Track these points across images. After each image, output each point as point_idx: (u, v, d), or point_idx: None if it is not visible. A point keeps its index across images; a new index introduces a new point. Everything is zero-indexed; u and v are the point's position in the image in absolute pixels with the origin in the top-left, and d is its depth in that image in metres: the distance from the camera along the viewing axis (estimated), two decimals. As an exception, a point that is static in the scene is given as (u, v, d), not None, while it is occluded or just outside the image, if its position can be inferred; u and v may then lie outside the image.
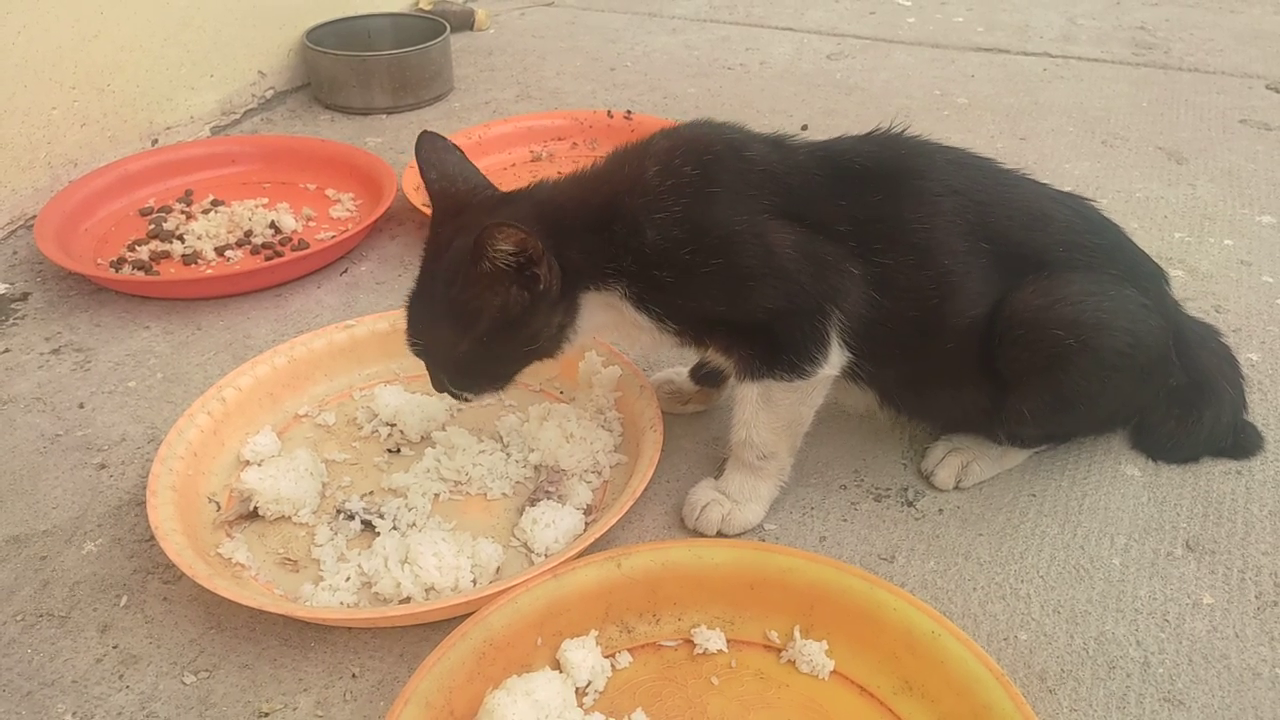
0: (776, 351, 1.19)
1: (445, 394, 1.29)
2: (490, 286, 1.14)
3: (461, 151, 1.29)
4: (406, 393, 1.49)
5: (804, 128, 2.46)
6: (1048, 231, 1.26)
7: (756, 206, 1.18)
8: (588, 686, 1.07)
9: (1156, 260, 1.37)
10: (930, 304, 1.21)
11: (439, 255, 1.20)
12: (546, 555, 1.23)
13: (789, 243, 1.16)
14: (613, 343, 1.47)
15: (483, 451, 1.39)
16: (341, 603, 1.17)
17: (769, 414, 1.23)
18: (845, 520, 1.32)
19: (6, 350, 1.67)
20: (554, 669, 1.07)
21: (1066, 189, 1.36)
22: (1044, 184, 1.33)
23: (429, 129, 1.28)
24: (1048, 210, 1.28)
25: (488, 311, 1.16)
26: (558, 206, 1.19)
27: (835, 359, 1.20)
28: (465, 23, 3.18)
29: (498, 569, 1.22)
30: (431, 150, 1.26)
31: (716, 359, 1.27)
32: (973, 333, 1.23)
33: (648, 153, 1.21)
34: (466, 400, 1.30)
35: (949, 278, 1.21)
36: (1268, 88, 2.71)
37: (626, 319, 1.21)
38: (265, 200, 2.09)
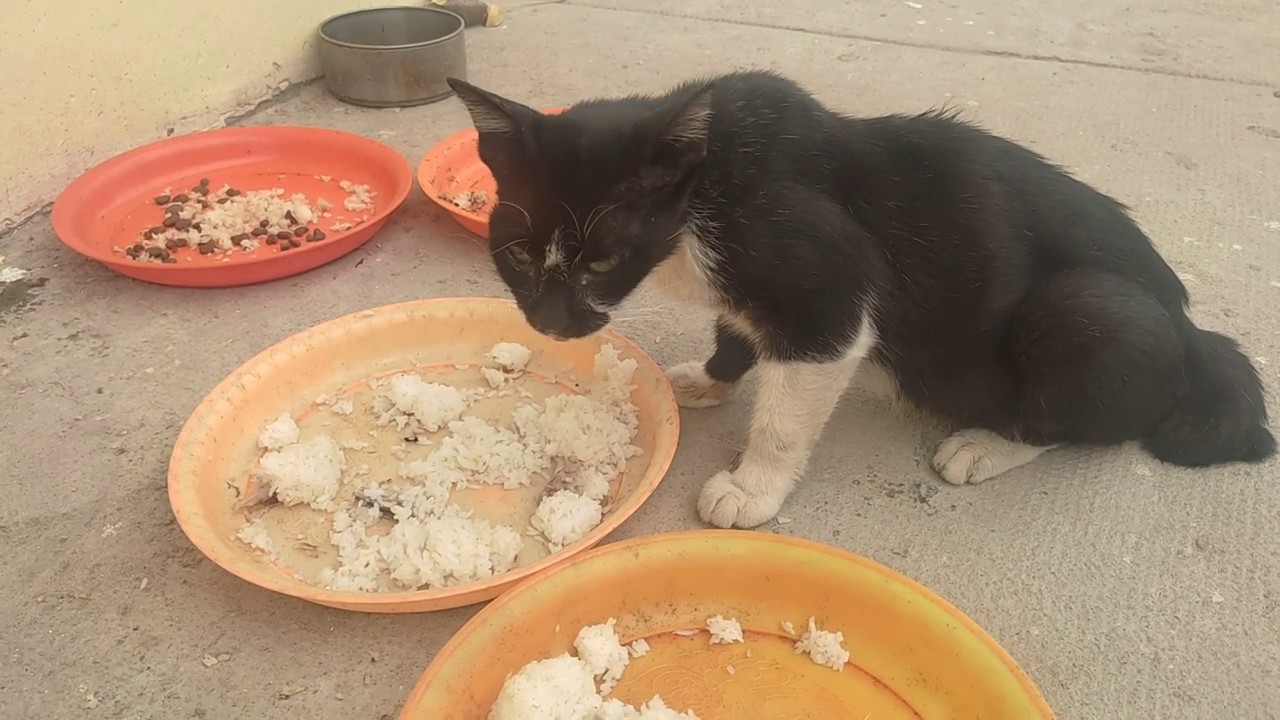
0: (810, 331, 1.20)
1: (558, 330, 1.15)
2: (652, 163, 1.08)
3: None
4: (424, 383, 1.50)
5: (816, 127, 2.47)
6: (1086, 228, 1.27)
7: (816, 171, 1.19)
8: (605, 674, 1.09)
9: (1167, 264, 1.38)
10: (971, 286, 1.23)
11: (561, 155, 1.08)
12: (563, 545, 1.24)
13: (837, 214, 1.18)
14: (648, 301, 1.37)
15: (500, 441, 1.40)
16: (361, 588, 1.19)
17: (794, 399, 1.24)
18: (859, 515, 1.33)
19: (25, 335, 1.68)
20: (572, 656, 1.08)
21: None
22: (1083, 183, 1.35)
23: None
24: (1088, 208, 1.30)
25: (648, 191, 1.10)
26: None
27: (864, 340, 1.22)
28: (478, 18, 3.19)
29: (515, 557, 1.23)
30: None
31: (744, 327, 1.26)
32: (1005, 319, 1.25)
33: (727, 89, 1.19)
34: (594, 326, 1.16)
35: (992, 261, 1.22)
36: (1276, 95, 2.73)
37: (685, 259, 1.18)
38: (281, 191, 2.10)
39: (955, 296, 1.23)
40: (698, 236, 1.17)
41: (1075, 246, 1.25)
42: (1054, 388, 1.25)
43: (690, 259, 1.18)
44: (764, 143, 1.16)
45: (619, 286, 1.14)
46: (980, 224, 1.22)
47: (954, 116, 1.28)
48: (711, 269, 1.17)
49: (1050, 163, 1.33)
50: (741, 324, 1.26)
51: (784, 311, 1.20)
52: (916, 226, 1.20)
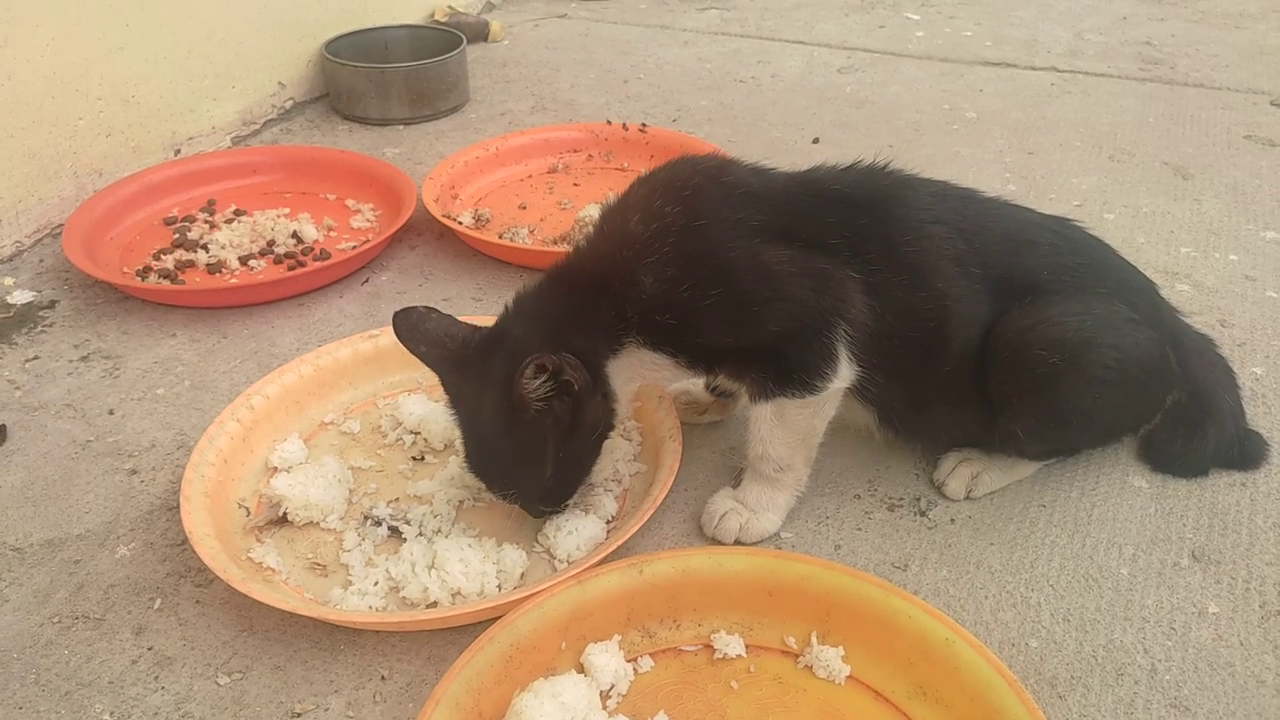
0: (787, 371, 1.22)
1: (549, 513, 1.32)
2: (541, 417, 1.18)
3: (435, 310, 1.31)
4: (430, 401, 1.52)
5: (815, 140, 2.50)
6: (1034, 255, 1.29)
7: (745, 230, 1.20)
8: (611, 689, 1.10)
9: (1163, 274, 1.39)
10: (928, 326, 1.24)
11: (476, 414, 1.24)
12: (569, 562, 1.26)
13: (785, 259, 1.19)
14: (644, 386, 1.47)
15: (505, 460, 1.42)
16: (370, 607, 1.21)
17: (783, 430, 1.26)
18: (859, 529, 1.35)
19: (36, 357, 1.70)
20: (578, 672, 1.10)
21: (1075, 203, 1.40)
22: (1026, 209, 1.37)
23: (399, 312, 1.30)
24: (1031, 235, 1.31)
25: (549, 435, 1.20)
26: (544, 308, 1.23)
27: (845, 372, 1.23)
28: (479, 34, 3.22)
29: (522, 575, 1.25)
30: (408, 326, 1.29)
31: (726, 384, 1.30)
32: (969, 355, 1.26)
33: (628, 204, 1.26)
34: (567, 507, 1.32)
35: (943, 300, 1.24)
36: (1272, 104, 2.74)
37: (646, 362, 1.24)
38: (287, 210, 2.13)
39: (914, 335, 1.24)
40: (646, 348, 1.22)
41: (1026, 274, 1.27)
42: (1027, 416, 1.27)
43: (646, 361, 1.24)
44: (674, 240, 1.18)
45: (561, 494, 1.29)
46: (925, 265, 1.23)
47: (886, 165, 1.30)
48: (670, 362, 1.23)
49: (989, 196, 1.35)
50: (724, 383, 1.30)
51: (760, 360, 1.22)
52: (865, 261, 1.21)
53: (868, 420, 1.37)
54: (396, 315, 1.29)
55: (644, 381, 1.30)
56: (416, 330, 1.28)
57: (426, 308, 1.31)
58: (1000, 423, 1.29)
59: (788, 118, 2.67)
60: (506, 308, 1.27)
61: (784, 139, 2.52)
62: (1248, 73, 2.97)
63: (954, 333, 1.25)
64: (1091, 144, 2.50)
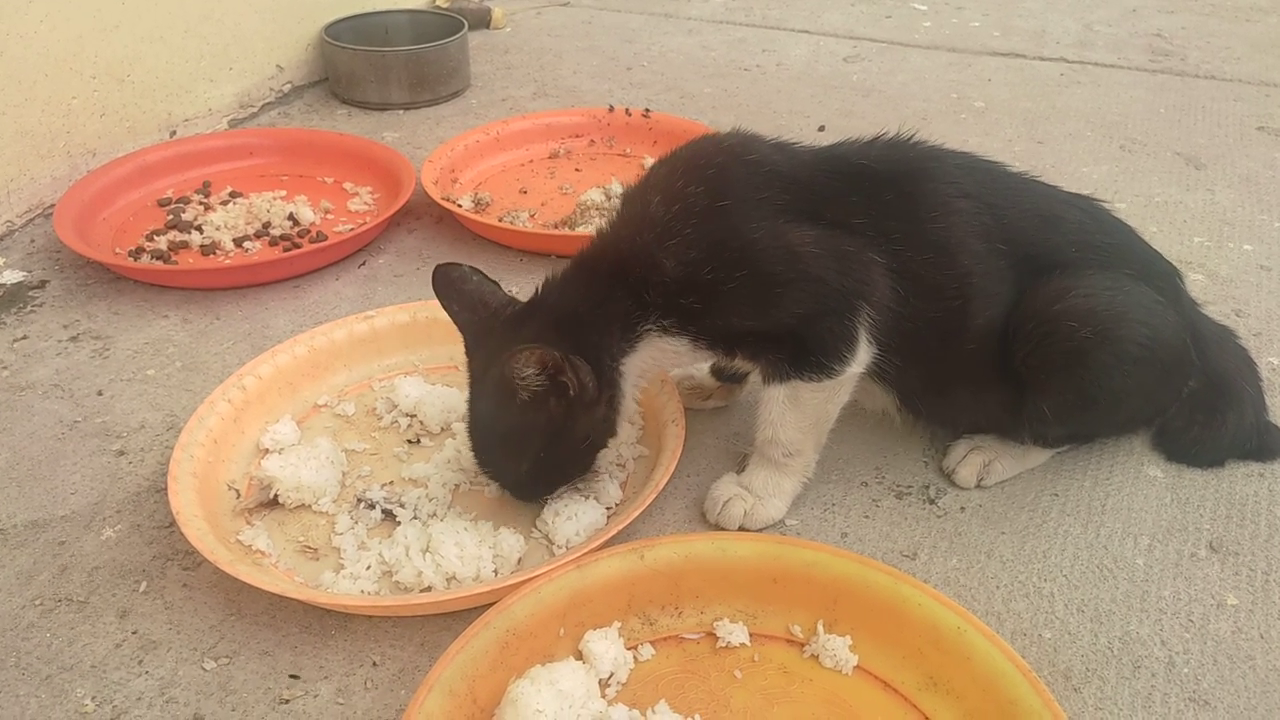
0: (805, 354, 1.18)
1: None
2: (531, 409, 1.15)
3: (480, 273, 1.28)
4: (426, 384, 1.48)
5: (821, 128, 2.46)
6: (1060, 232, 1.25)
7: (770, 210, 1.17)
8: (610, 678, 1.07)
9: (1176, 264, 1.36)
10: (952, 304, 1.21)
11: (480, 387, 1.23)
12: (567, 547, 1.22)
13: (810, 240, 1.16)
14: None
15: (503, 443, 1.39)
16: (362, 591, 1.17)
17: (796, 414, 1.23)
18: (867, 517, 1.31)
19: (25, 337, 1.67)
20: (577, 660, 1.07)
21: (1085, 193, 1.35)
22: (1053, 186, 1.33)
23: (441, 265, 1.28)
24: (1059, 212, 1.28)
25: (536, 431, 1.18)
26: (569, 300, 1.20)
27: (863, 356, 1.20)
28: (481, 20, 3.19)
29: (519, 560, 1.21)
30: (447, 283, 1.27)
31: (742, 365, 1.26)
32: (993, 333, 1.23)
33: (649, 185, 1.22)
34: (548, 501, 1.28)
35: (969, 278, 1.20)
36: (1285, 95, 2.71)
37: (666, 350, 1.21)
38: (283, 192, 2.09)
39: (937, 315, 1.21)
40: (666, 335, 1.19)
41: (1053, 251, 1.23)
42: (1056, 393, 1.23)
43: (665, 349, 1.20)
44: (696, 221, 1.15)
45: (537, 490, 1.27)
46: (952, 241, 1.20)
47: (911, 137, 1.26)
48: (689, 346, 1.20)
49: (1016, 171, 1.31)
50: (740, 364, 1.27)
51: (778, 341, 1.19)
52: (889, 241, 1.18)
53: (887, 404, 1.34)
54: (438, 268, 1.27)
55: (656, 374, 1.27)
56: (453, 288, 1.27)
57: (471, 268, 1.28)
58: (1030, 400, 1.24)
59: (793, 105, 2.64)
60: (537, 290, 1.24)
61: (789, 126, 2.48)
62: (1259, 65, 2.94)
63: (979, 311, 1.21)
64: (1102, 134, 2.46)
